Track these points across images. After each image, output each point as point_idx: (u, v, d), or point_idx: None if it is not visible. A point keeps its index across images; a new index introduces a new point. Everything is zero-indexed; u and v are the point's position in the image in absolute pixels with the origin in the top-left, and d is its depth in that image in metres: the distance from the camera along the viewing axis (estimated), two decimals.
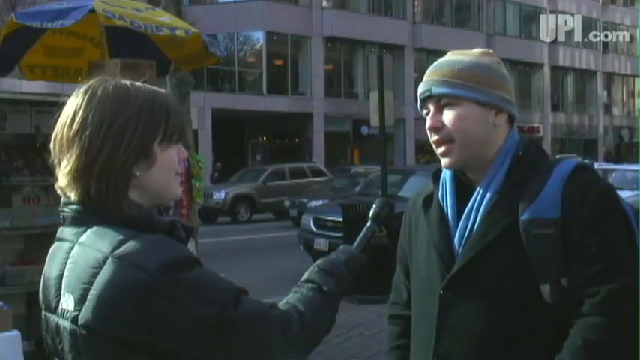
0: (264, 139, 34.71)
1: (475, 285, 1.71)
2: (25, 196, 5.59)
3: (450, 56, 1.82)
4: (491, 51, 1.86)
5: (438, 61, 1.82)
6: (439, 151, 1.78)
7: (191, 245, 6.09)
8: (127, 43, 5.95)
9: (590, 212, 1.64)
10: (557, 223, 1.64)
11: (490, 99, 1.74)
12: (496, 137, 1.77)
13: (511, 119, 1.80)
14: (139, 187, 1.44)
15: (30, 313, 5.23)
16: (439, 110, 1.77)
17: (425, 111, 1.81)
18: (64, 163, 1.42)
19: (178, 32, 5.57)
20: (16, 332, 4.57)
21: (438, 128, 1.76)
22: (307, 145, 33.70)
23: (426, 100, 1.79)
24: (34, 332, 5.06)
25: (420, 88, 1.80)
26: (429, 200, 1.88)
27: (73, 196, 1.43)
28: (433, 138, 1.78)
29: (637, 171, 14.46)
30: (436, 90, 1.76)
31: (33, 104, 5.44)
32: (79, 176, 1.40)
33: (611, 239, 1.64)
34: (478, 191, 1.76)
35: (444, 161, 1.79)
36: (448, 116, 1.75)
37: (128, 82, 1.48)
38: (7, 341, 4.47)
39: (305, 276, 1.58)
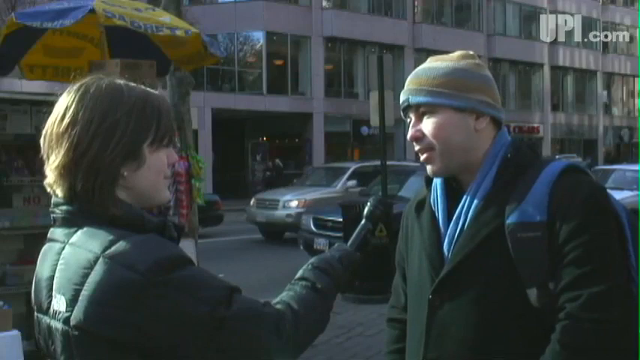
0: (264, 139, 34.69)
1: (463, 289, 1.70)
2: (25, 196, 5.60)
3: (428, 63, 1.81)
4: (471, 52, 1.85)
5: (417, 69, 1.82)
6: (422, 158, 1.79)
7: (190, 245, 6.07)
8: (127, 43, 5.96)
9: (577, 214, 1.62)
10: (544, 226, 1.63)
11: (467, 104, 1.73)
12: (480, 141, 1.76)
13: (497, 121, 1.79)
14: (127, 188, 1.43)
15: (30, 313, 5.20)
16: (419, 119, 1.77)
17: (408, 120, 1.81)
18: (52, 158, 1.42)
19: (178, 32, 5.57)
20: (16, 332, 4.57)
21: (418, 138, 1.77)
22: (307, 145, 33.69)
23: (406, 109, 1.80)
24: (34, 332, 5.05)
25: (401, 98, 1.81)
26: (421, 204, 1.88)
27: (59, 192, 1.43)
28: (416, 147, 1.79)
29: (637, 171, 14.44)
30: (413, 99, 1.76)
31: (33, 104, 5.44)
32: (65, 172, 1.40)
33: (596, 242, 1.61)
34: (467, 195, 1.75)
35: (428, 169, 1.79)
36: (427, 125, 1.75)
37: (122, 82, 1.47)
38: (7, 341, 4.47)
39: (299, 274, 1.58)
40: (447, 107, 1.73)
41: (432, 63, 1.80)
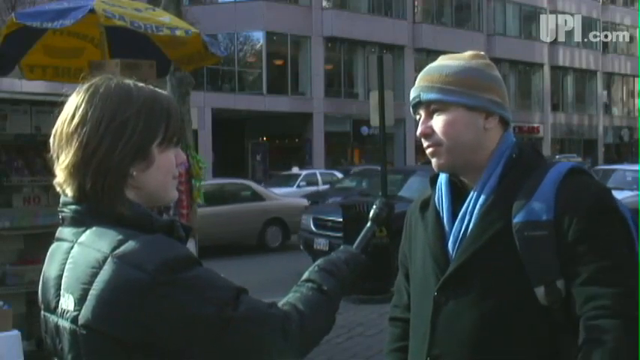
0: (264, 139, 34.73)
1: (469, 287, 1.71)
2: (25, 196, 5.59)
3: (440, 61, 1.82)
4: (482, 53, 1.86)
5: (428, 66, 1.83)
6: (428, 152, 1.80)
7: (191, 245, 6.09)
8: (127, 43, 5.95)
9: (586, 213, 1.63)
10: (551, 225, 1.64)
11: (478, 102, 1.74)
12: (488, 140, 1.77)
13: (504, 122, 1.80)
14: (136, 188, 1.44)
15: (30, 313, 5.23)
16: (429, 116, 1.78)
17: (417, 117, 1.82)
18: (62, 157, 1.42)
19: (178, 32, 5.56)
20: (16, 332, 4.57)
21: (428, 134, 1.77)
22: (307, 145, 33.72)
23: (416, 106, 1.80)
24: (34, 332, 5.06)
25: (411, 95, 1.81)
26: (426, 204, 1.89)
27: (69, 192, 1.43)
28: (424, 144, 1.80)
29: (637, 171, 14.44)
30: (425, 96, 1.77)
31: (33, 104, 5.43)
32: (75, 171, 1.40)
33: (610, 239, 1.63)
34: (472, 194, 1.76)
35: (433, 162, 1.80)
36: (437, 122, 1.76)
37: (131, 82, 1.48)
38: (7, 341, 4.47)
39: (305, 275, 1.58)
40: (459, 105, 1.74)
41: (444, 61, 1.81)
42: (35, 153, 5.37)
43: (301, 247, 11.41)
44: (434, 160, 1.79)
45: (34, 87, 11.05)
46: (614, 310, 1.57)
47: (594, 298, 1.59)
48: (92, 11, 5.17)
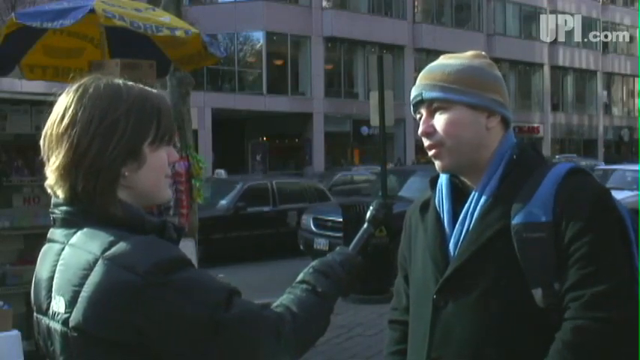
0: (264, 139, 34.72)
1: (467, 289, 1.70)
2: (25, 196, 5.60)
3: (441, 60, 1.81)
4: (483, 53, 1.85)
5: (430, 65, 1.81)
6: (430, 154, 1.78)
7: (190, 245, 6.03)
8: (127, 43, 5.95)
9: (582, 215, 1.62)
10: (549, 226, 1.63)
11: (481, 101, 1.73)
12: (490, 140, 1.76)
13: (505, 122, 1.79)
14: (128, 188, 1.42)
15: (30, 313, 5.20)
16: (431, 115, 1.76)
17: (418, 116, 1.80)
18: (53, 159, 1.41)
19: (178, 32, 5.57)
20: (16, 332, 4.58)
21: (429, 133, 1.76)
22: (307, 145, 33.71)
23: (418, 104, 1.79)
24: (34, 332, 5.06)
25: (412, 93, 1.79)
26: (426, 205, 1.87)
27: (60, 194, 1.42)
28: (426, 143, 1.78)
29: (637, 171, 14.44)
30: (427, 95, 1.75)
31: (33, 104, 5.44)
32: (66, 173, 1.39)
33: (601, 242, 1.61)
34: (473, 196, 1.75)
35: (437, 164, 1.78)
36: (439, 121, 1.74)
37: (120, 81, 1.46)
38: (7, 341, 4.47)
39: (300, 277, 1.57)
40: (461, 104, 1.72)
41: (446, 60, 1.80)
42: (35, 153, 5.29)
43: (301, 247, 11.41)
44: (437, 163, 1.77)
45: (34, 87, 11.04)
46: (590, 312, 1.57)
47: (576, 299, 1.59)
48: (92, 11, 5.18)
